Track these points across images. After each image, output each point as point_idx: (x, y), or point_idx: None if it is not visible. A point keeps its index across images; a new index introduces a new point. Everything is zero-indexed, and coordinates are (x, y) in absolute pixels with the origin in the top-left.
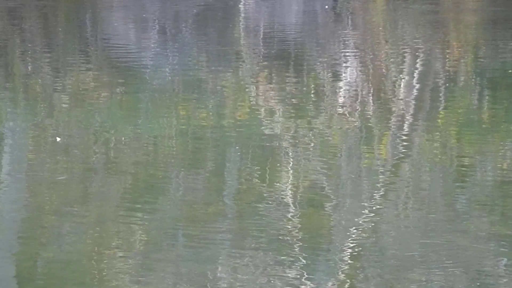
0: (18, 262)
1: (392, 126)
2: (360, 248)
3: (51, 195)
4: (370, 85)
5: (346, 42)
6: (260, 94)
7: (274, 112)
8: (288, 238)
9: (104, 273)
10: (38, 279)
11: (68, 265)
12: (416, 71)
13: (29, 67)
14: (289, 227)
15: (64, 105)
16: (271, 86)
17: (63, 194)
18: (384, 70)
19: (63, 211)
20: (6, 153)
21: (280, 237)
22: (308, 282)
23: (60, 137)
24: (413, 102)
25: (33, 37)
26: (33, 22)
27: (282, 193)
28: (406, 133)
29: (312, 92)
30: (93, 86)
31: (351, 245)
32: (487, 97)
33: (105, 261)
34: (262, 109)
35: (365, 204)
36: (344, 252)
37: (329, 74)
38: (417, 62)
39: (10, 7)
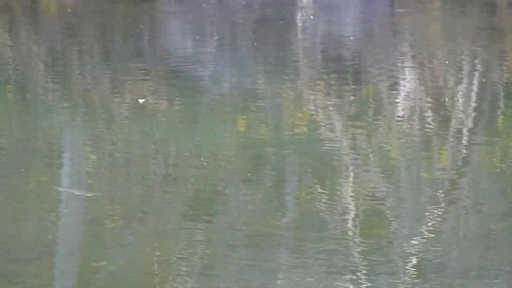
0: (79, 275)
1: (451, 136)
2: (420, 259)
3: (111, 207)
4: (428, 95)
5: (405, 52)
6: (318, 105)
7: (332, 123)
8: (348, 249)
9: (165, 286)
10: None
11: (128, 278)
12: (474, 80)
13: (87, 78)
14: (349, 238)
15: (122, 117)
16: (329, 97)
17: (123, 206)
18: (441, 79)
19: (123, 224)
20: (66, 165)
21: (340, 248)
22: None
23: (143, 99)
24: (472, 111)
25: (90, 48)
26: (90, 33)
27: (342, 204)
28: (465, 143)
29: (371, 102)
30: (151, 98)
31: (411, 256)
32: None
33: (165, 274)
34: (320, 120)
35: (425, 215)
36: (404, 263)
37: (387, 84)
38: (475, 71)
39: (66, 17)
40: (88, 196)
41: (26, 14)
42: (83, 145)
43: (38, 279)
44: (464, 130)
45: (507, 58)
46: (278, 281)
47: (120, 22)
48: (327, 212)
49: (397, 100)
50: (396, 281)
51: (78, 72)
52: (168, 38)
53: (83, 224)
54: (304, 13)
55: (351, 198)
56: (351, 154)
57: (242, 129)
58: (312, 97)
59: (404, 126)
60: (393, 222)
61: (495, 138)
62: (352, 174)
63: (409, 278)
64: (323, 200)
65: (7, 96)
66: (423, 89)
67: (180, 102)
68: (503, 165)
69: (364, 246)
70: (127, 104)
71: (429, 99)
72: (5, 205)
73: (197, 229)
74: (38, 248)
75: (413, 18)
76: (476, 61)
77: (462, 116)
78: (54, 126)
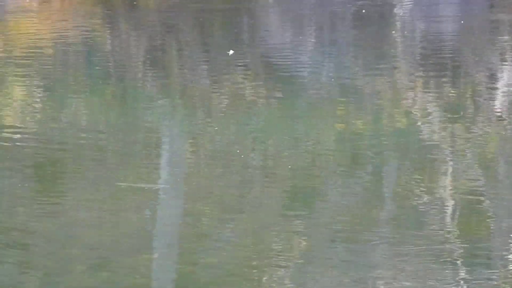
0: (179, 268)
1: None
2: None
3: (210, 201)
4: None
5: (504, 48)
6: (417, 100)
7: (431, 118)
8: (446, 243)
9: (263, 280)
10: (198, 286)
11: (227, 272)
12: None
13: (186, 72)
14: (447, 232)
15: (221, 111)
16: (428, 91)
17: (222, 200)
18: None
19: (222, 218)
20: (165, 158)
21: (439, 242)
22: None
23: (232, 50)
24: None
25: (189, 42)
26: (189, 27)
27: (441, 198)
28: None
29: (469, 98)
30: (250, 90)
31: (509, 250)
32: None
33: (264, 268)
34: (419, 115)
35: None
36: (502, 257)
37: (486, 80)
38: None
39: (165, 12)
40: (184, 189)
41: (126, 9)
42: (182, 139)
43: (138, 271)
44: None
45: None
46: (376, 276)
47: (219, 16)
48: (426, 206)
49: (495, 95)
50: (494, 276)
51: (177, 66)
52: (267, 31)
53: (181, 217)
54: (402, 7)
55: (449, 193)
56: (450, 149)
57: (340, 122)
58: (410, 91)
59: (503, 121)
60: (491, 216)
61: None
62: (450, 169)
63: (507, 272)
64: (421, 194)
65: (107, 91)
66: None
67: (279, 96)
68: None
69: (462, 241)
70: (226, 98)
71: None
72: (106, 199)
73: (295, 222)
74: (137, 240)
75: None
76: None
77: None
78: (153, 121)
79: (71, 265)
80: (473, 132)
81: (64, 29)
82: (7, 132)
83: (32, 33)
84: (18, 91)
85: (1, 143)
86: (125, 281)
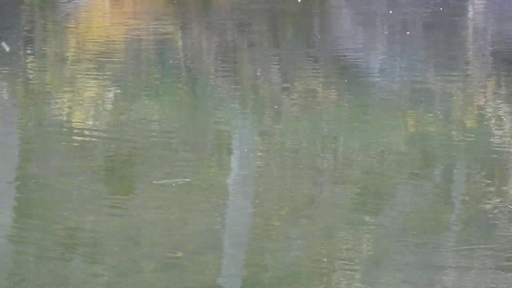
0: (247, 268)
1: None
2: None
3: (278, 201)
4: None
5: None
6: (489, 102)
7: (503, 120)
8: None
9: (332, 281)
10: (266, 286)
11: (295, 273)
12: None
13: (257, 72)
14: None
15: (291, 110)
16: (500, 93)
17: (291, 201)
18: None
19: (291, 218)
20: (235, 158)
21: (508, 246)
22: None
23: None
24: None
25: (261, 41)
26: (261, 26)
27: (511, 202)
28: None
29: None
30: (321, 91)
31: None
32: None
33: (333, 269)
34: (490, 118)
35: None
36: None
37: None
38: None
39: (237, 10)
40: (254, 189)
41: (197, 8)
42: (252, 139)
43: (204, 271)
44: None
45: None
46: (446, 279)
47: (290, 16)
48: (495, 209)
49: None
50: None
51: (248, 66)
52: (338, 32)
53: (250, 217)
54: (474, 9)
55: None
56: None
57: (411, 124)
58: (482, 94)
59: None
60: None
61: None
62: None
63: None
64: (491, 197)
65: (178, 90)
66: None
67: (350, 97)
68: None
69: None
70: (296, 99)
71: None
72: (174, 198)
73: (364, 224)
74: (205, 240)
75: None
76: None
77: None
78: (223, 120)
79: (140, 264)
80: None
81: (136, 29)
82: (78, 130)
83: (104, 32)
84: (89, 90)
85: (71, 141)
86: (194, 280)
